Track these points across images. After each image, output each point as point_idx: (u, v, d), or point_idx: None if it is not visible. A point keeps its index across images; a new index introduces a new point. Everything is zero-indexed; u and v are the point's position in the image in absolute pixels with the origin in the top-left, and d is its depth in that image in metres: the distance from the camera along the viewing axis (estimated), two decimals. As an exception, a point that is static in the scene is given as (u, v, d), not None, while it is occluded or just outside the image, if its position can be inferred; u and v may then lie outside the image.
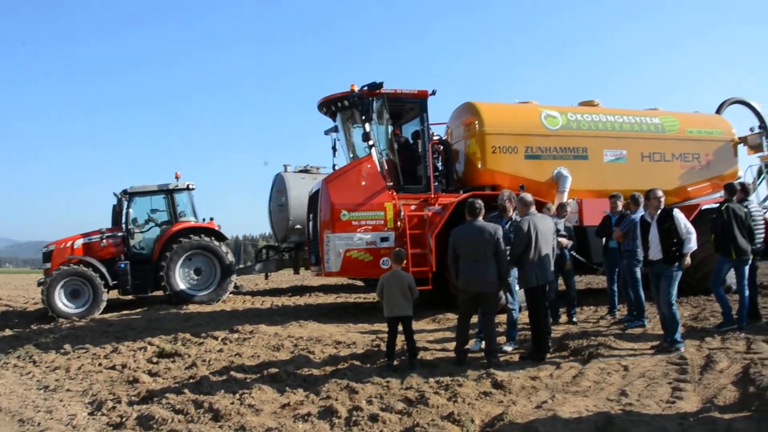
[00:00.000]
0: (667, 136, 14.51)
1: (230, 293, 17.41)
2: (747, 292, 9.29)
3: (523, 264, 7.60)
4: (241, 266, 22.04)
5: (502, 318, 9.44)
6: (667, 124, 14.66)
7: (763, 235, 10.16)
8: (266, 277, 22.07)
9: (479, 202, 7.57)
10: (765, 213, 15.18)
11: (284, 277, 31.43)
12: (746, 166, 16.96)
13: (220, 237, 16.89)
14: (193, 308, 15.13)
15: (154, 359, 8.46)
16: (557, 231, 9.77)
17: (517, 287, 8.46)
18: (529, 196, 8.08)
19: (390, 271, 7.74)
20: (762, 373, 6.22)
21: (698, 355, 7.46)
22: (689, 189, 14.64)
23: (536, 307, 7.67)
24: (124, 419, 5.64)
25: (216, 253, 16.54)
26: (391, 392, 6.15)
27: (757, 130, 16.76)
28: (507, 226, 8.27)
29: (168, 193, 17.14)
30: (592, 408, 5.48)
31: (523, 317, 9.71)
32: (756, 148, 16.44)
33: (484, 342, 7.71)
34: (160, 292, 16.58)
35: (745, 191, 10.10)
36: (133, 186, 17.01)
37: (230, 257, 16.78)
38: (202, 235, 16.52)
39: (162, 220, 17.14)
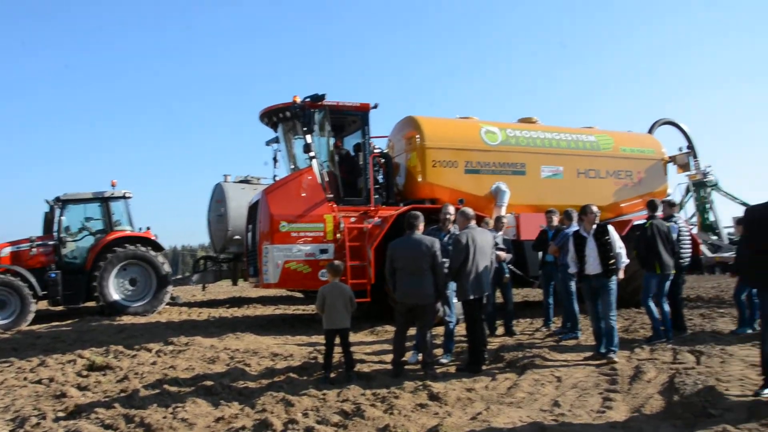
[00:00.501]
0: (602, 153, 15.01)
1: (166, 304, 17.09)
2: (667, 307, 9.64)
3: (461, 277, 7.71)
4: (178, 277, 21.66)
5: (439, 330, 9.55)
6: (602, 142, 15.17)
7: (690, 251, 10.59)
8: (203, 288, 21.77)
9: (418, 215, 7.66)
10: (692, 229, 15.87)
11: (222, 289, 30.93)
12: (675, 184, 17.74)
13: (157, 247, 16.58)
14: (127, 320, 14.78)
15: (84, 372, 8.20)
16: (495, 245, 9.97)
17: (454, 299, 8.58)
18: (470, 210, 8.23)
19: (330, 284, 7.72)
20: (686, 382, 6.47)
21: (628, 365, 7.71)
22: (622, 205, 15.19)
23: (473, 320, 7.80)
24: (49, 435, 5.47)
25: (152, 263, 16.22)
26: (328, 405, 6.13)
27: (685, 150, 17.54)
28: (445, 239, 8.40)
29: (103, 201, 16.75)
30: (525, 419, 5.60)
31: (460, 329, 9.85)
32: (684, 167, 17.21)
33: (420, 354, 7.78)
34: (92, 303, 16.14)
35: (671, 206, 10.52)
36: (66, 193, 16.56)
37: (167, 268, 16.48)
38: (138, 245, 16.18)
39: (96, 229, 16.71)
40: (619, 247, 8.18)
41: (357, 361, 8.14)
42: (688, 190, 19.06)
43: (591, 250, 8.28)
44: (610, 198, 14.97)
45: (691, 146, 18.15)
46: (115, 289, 15.82)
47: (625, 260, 8.21)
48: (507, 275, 10.89)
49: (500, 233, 10.96)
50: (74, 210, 16.69)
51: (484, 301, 8.14)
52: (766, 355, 6.16)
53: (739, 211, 20.05)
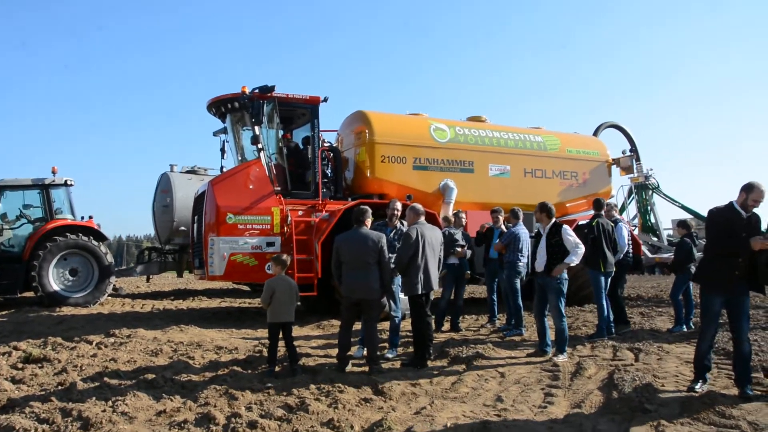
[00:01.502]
0: (549, 154, 15.29)
1: (108, 296, 16.69)
2: (606, 302, 9.90)
3: (410, 272, 7.76)
4: (122, 268, 21.20)
5: (384, 325, 9.60)
6: (548, 142, 15.45)
7: (631, 251, 10.93)
8: (148, 279, 21.36)
9: (366, 210, 7.67)
10: (634, 230, 16.34)
11: (167, 280, 30.42)
12: (618, 186, 18.19)
13: (100, 236, 16.13)
14: (67, 311, 14.37)
15: (19, 365, 7.92)
16: (455, 241, 10.09)
17: (400, 294, 8.63)
18: (420, 206, 8.28)
19: (277, 276, 7.63)
20: (624, 378, 6.66)
21: (569, 362, 7.90)
22: (567, 205, 15.50)
23: (419, 315, 7.85)
24: (-21, 430, 5.28)
25: (94, 253, 15.79)
26: (272, 399, 6.10)
27: (628, 153, 18.00)
28: (392, 234, 8.45)
29: (43, 188, 16.21)
30: (469, 413, 5.68)
31: (405, 324, 9.92)
32: (627, 169, 17.67)
33: (366, 349, 7.81)
34: (30, 294, 15.64)
35: (613, 208, 10.83)
36: (3, 179, 16.00)
37: (109, 258, 16.07)
38: (80, 234, 15.72)
39: (35, 217, 16.18)
40: (575, 246, 8.13)
41: (302, 355, 8.14)
42: (630, 192, 19.55)
43: (542, 247, 8.41)
44: (555, 198, 15.21)
45: (634, 149, 18.64)
46: (54, 280, 15.36)
47: (573, 259, 8.13)
48: (468, 272, 11.03)
49: (460, 230, 11.08)
50: (12, 197, 16.12)
51: (431, 297, 8.21)
52: (700, 353, 6.41)
53: (679, 214, 20.75)
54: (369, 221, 7.71)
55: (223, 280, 12.04)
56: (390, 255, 7.73)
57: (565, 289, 8.32)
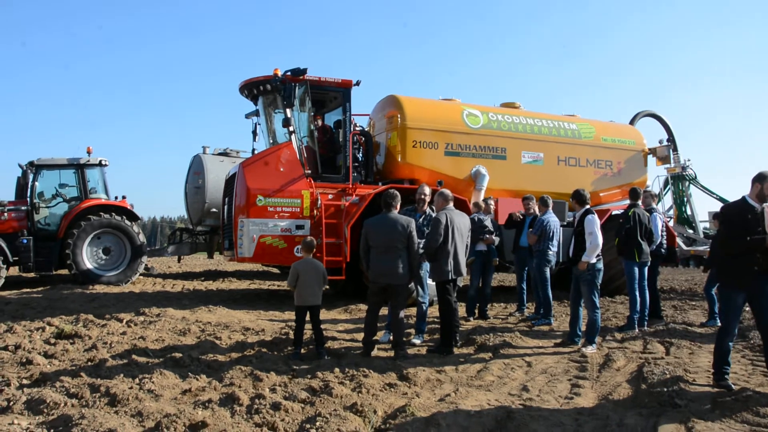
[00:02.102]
0: (583, 142, 15.02)
1: (140, 275, 16.94)
2: (647, 294, 9.74)
3: (438, 257, 7.68)
4: (154, 248, 21.46)
5: (411, 311, 9.55)
6: (583, 130, 15.17)
7: (665, 242, 10.70)
8: (179, 259, 21.60)
9: (395, 194, 7.60)
10: (668, 221, 16.00)
11: (198, 261, 30.83)
12: (654, 176, 17.84)
13: (132, 216, 16.38)
14: (99, 289, 14.63)
15: (52, 340, 8.08)
16: (484, 227, 9.98)
17: (428, 280, 8.57)
18: (448, 192, 8.18)
19: (304, 260, 7.65)
20: (654, 371, 6.54)
21: (598, 353, 7.77)
22: (601, 195, 15.24)
23: (447, 302, 7.78)
24: (11, 403, 5.36)
25: (127, 232, 16.03)
26: (296, 381, 6.10)
27: (665, 143, 17.61)
28: (420, 219, 8.37)
29: (78, 167, 16.48)
30: (493, 402, 5.61)
31: (432, 311, 9.86)
32: (664, 159, 17.29)
33: (392, 334, 7.77)
34: (65, 271, 15.93)
35: (650, 197, 10.60)
36: (40, 158, 16.27)
37: (141, 238, 16.30)
38: (113, 214, 15.98)
39: (71, 196, 16.46)
40: (589, 242, 7.96)
41: (328, 339, 8.15)
42: (666, 183, 19.18)
43: (570, 237, 8.29)
44: (589, 187, 14.93)
45: (671, 139, 18.24)
46: (88, 258, 15.65)
47: (588, 255, 7.95)
48: (496, 259, 10.92)
49: (489, 216, 10.96)
50: (48, 176, 16.42)
51: (460, 284, 8.13)
52: (723, 350, 6.29)
53: (716, 206, 20.29)
54: (398, 206, 7.64)
55: (252, 261, 12.09)
56: (418, 240, 7.65)
57: (598, 280, 8.15)
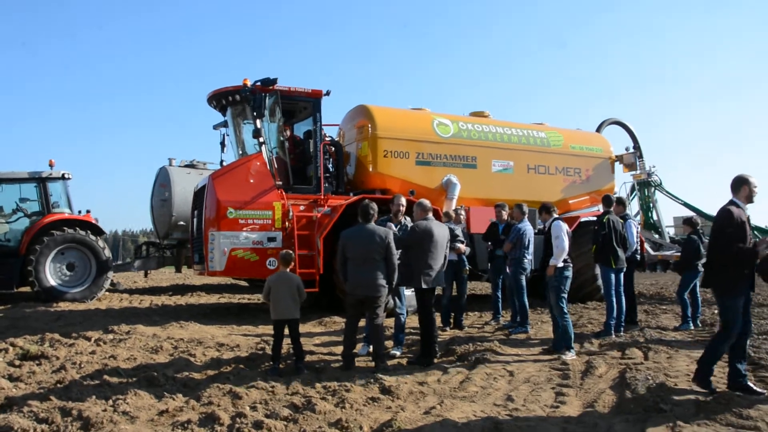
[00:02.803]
0: (552, 150, 15.14)
1: (106, 291, 16.50)
2: (623, 300, 9.79)
3: (417, 265, 7.61)
4: (120, 263, 21.00)
5: (389, 322, 9.45)
6: (552, 138, 15.29)
7: (639, 248, 10.80)
8: (146, 274, 21.21)
9: (373, 206, 7.50)
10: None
11: (164, 276, 30.27)
12: (621, 183, 18.06)
13: (97, 231, 15.95)
14: (64, 306, 14.17)
15: (17, 362, 7.71)
16: (455, 237, 9.93)
17: (405, 291, 8.48)
18: (427, 202, 8.14)
19: (277, 273, 7.53)
20: (637, 377, 6.53)
21: (578, 360, 7.76)
22: (570, 202, 15.36)
23: (427, 311, 7.70)
24: (-24, 430, 5.11)
25: (92, 247, 15.60)
26: (277, 398, 5.95)
27: (631, 150, 17.87)
28: (397, 229, 8.29)
29: (40, 181, 16.01)
30: (479, 413, 5.53)
31: (409, 322, 9.77)
32: (630, 166, 17.55)
33: (371, 346, 7.66)
34: (27, 289, 15.44)
35: (623, 205, 10.67)
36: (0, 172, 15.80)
37: (107, 253, 15.89)
38: (77, 229, 15.53)
39: (32, 211, 15.98)
40: (555, 246, 8.15)
41: (307, 353, 7.98)
42: (633, 189, 19.45)
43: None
44: (558, 194, 15.11)
45: (636, 146, 18.51)
46: (51, 274, 15.18)
47: (554, 260, 8.14)
48: (467, 268, 10.87)
49: (460, 226, 10.92)
50: (8, 190, 15.91)
51: (437, 293, 8.07)
52: (719, 354, 6.28)
53: (681, 211, 20.67)
54: (376, 216, 7.55)
55: (223, 275, 11.88)
56: (397, 251, 7.56)
57: (564, 286, 8.27)
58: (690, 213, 19.81)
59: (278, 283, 7.35)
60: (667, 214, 20.77)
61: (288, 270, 7.54)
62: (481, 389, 6.43)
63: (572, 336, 8.21)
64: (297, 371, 7.07)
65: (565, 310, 8.20)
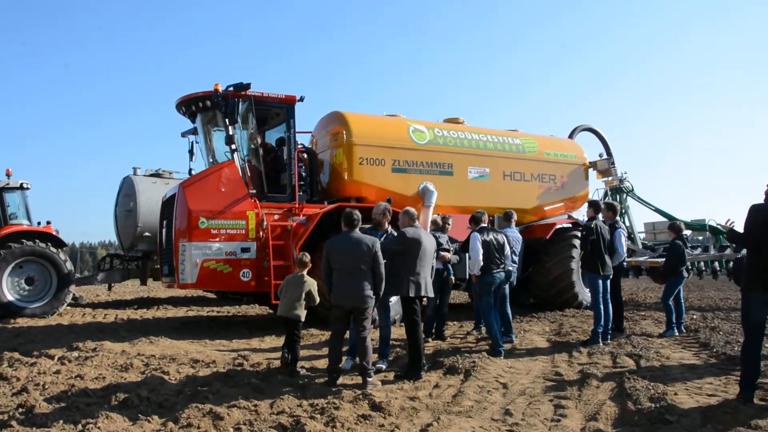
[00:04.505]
0: (528, 156, 15.00)
1: (68, 305, 15.82)
2: (610, 307, 9.61)
3: (400, 271, 7.30)
4: (80, 276, 20.23)
5: (374, 335, 9.09)
6: (527, 145, 15.16)
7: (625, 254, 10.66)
8: (109, 288, 20.50)
9: (357, 213, 7.14)
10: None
11: (128, 288, 29.36)
12: (594, 189, 18.01)
13: (58, 243, 15.27)
14: (23, 322, 13.55)
15: (-27, 384, 7.19)
16: (440, 245, 9.66)
17: (391, 302, 8.17)
18: (414, 210, 7.86)
19: (293, 274, 7.91)
20: (637, 387, 6.30)
21: (571, 370, 7.52)
22: (546, 209, 15.25)
23: (415, 322, 7.39)
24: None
25: (52, 260, 14.92)
26: (262, 417, 5.54)
27: (605, 157, 17.85)
28: (382, 238, 7.96)
29: (-4, 191, 15.32)
30: (479, 429, 5.24)
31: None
32: (604, 173, 17.54)
33: (356, 359, 7.31)
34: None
35: (613, 211, 10.50)
36: (-46, 182, 15.06)
37: (69, 266, 15.22)
38: (37, 241, 14.84)
39: (-12, 223, 15.27)
40: (469, 253, 9.03)
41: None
42: (605, 196, 19.41)
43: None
44: (534, 201, 14.99)
45: (609, 153, 18.48)
46: (9, 289, 14.45)
47: (472, 268, 8.99)
48: (452, 277, 10.57)
49: (446, 234, 10.63)
50: (-37, 201, 15.20)
51: (424, 303, 7.78)
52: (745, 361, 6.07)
53: (653, 217, 20.69)
54: (360, 225, 7.22)
55: (195, 288, 11.41)
56: (384, 260, 7.22)
57: (482, 292, 9.05)
58: (662, 219, 19.87)
59: (290, 283, 7.76)
60: (638, 220, 20.75)
61: (305, 273, 7.79)
62: (476, 403, 6.13)
63: (495, 339, 8.79)
64: (290, 374, 7.26)
65: (492, 313, 8.96)
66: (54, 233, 15.33)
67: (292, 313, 7.60)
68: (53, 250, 14.98)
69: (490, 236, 9.10)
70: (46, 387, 6.85)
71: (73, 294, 16.17)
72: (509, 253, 9.54)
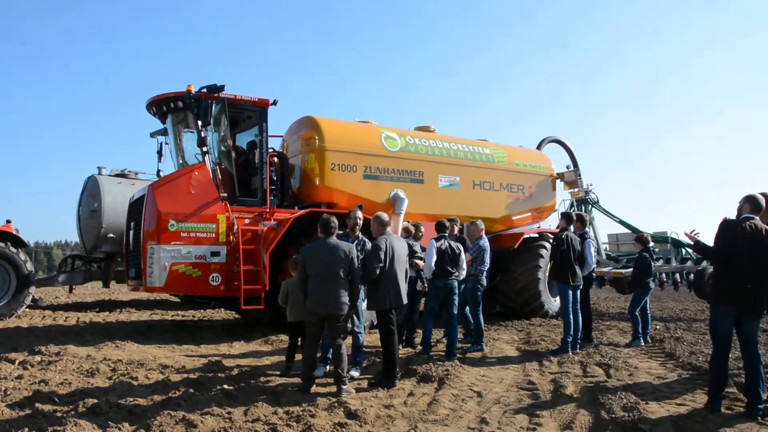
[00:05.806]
0: (497, 166, 15.12)
1: (27, 307, 15.39)
2: (579, 317, 9.72)
3: (379, 285, 7.27)
4: (42, 277, 19.70)
5: (347, 342, 9.04)
6: (496, 155, 15.29)
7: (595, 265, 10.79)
8: (70, 290, 20.01)
9: (334, 220, 7.09)
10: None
11: (88, 290, 28.62)
12: (560, 200, 18.25)
13: (18, 242, 14.87)
14: (-20, 325, 13.13)
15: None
16: (414, 253, 9.64)
17: (363, 309, 8.13)
18: (385, 216, 7.81)
19: (293, 278, 7.88)
20: (609, 397, 6.37)
21: (543, 380, 7.58)
22: (514, 218, 15.39)
23: (390, 331, 7.36)
24: None
25: (11, 260, 14.48)
26: (236, 425, 5.45)
27: (571, 168, 18.10)
28: (354, 245, 7.92)
29: (-45, 190, 14.88)
30: (456, 439, 5.23)
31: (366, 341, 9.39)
32: (572, 184, 17.77)
33: (329, 367, 7.26)
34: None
35: (582, 222, 10.62)
36: None
37: (29, 266, 14.81)
38: (-4, 240, 14.43)
39: (-55, 222, 14.79)
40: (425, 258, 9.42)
41: (259, 375, 7.56)
42: (571, 207, 19.67)
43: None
44: (503, 211, 15.11)
45: (575, 164, 18.73)
46: (-35, 290, 14.03)
47: (426, 272, 9.42)
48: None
49: (418, 242, 10.61)
50: None
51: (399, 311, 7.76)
52: (747, 377, 6.15)
53: (617, 229, 21.03)
54: (336, 231, 7.17)
55: (163, 291, 11.21)
56: (359, 266, 7.19)
57: (432, 297, 9.55)
58: (625, 230, 20.21)
59: (292, 288, 7.79)
60: (602, 231, 21.11)
61: None
62: (451, 411, 6.13)
63: (425, 339, 9.38)
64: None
65: (430, 316, 9.50)
66: (14, 232, 14.91)
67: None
68: (13, 250, 14.57)
69: (446, 244, 9.38)
70: (9, 393, 6.63)
71: (33, 296, 15.76)
72: (463, 263, 9.62)
